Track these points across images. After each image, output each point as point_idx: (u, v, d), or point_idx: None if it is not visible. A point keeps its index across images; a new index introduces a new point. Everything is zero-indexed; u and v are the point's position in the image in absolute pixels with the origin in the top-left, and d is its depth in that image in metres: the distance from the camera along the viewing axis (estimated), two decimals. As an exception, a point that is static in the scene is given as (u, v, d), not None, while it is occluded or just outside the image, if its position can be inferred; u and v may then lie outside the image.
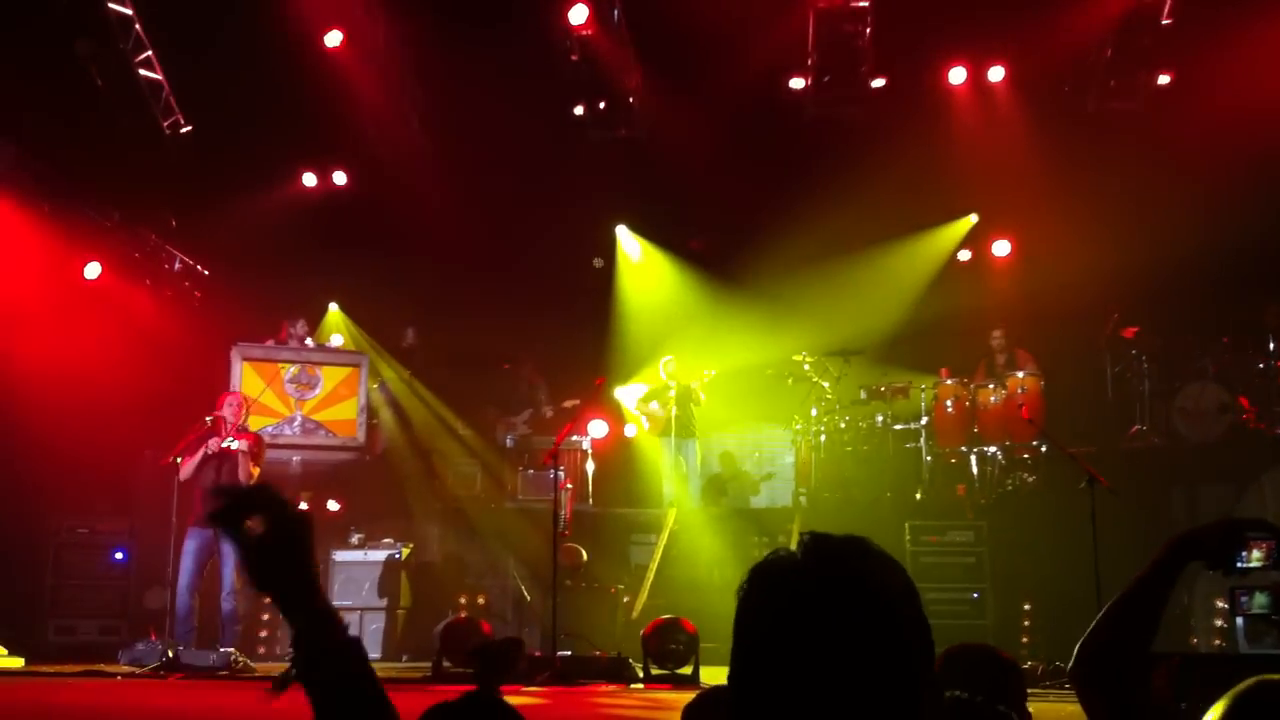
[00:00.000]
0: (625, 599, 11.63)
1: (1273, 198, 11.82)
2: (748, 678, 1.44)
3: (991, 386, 12.59)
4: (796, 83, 14.07)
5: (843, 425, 12.96)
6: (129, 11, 12.55)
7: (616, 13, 13.56)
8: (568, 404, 13.52)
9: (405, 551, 12.15)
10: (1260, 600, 3.25)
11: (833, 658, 1.38)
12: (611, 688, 9.05)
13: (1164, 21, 12.64)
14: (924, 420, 12.80)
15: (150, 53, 12.93)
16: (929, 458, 12.78)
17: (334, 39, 13.24)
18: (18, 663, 10.17)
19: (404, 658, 11.57)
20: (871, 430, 12.92)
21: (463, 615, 9.97)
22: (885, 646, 1.39)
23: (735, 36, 13.26)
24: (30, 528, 11.96)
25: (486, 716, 2.12)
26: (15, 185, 12.32)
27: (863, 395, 13.09)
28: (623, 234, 15.93)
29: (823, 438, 12.94)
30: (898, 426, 12.90)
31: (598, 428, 13.66)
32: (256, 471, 10.46)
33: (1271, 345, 11.87)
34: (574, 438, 12.65)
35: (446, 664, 9.47)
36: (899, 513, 11.77)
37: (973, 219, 14.88)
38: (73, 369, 12.12)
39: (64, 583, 11.92)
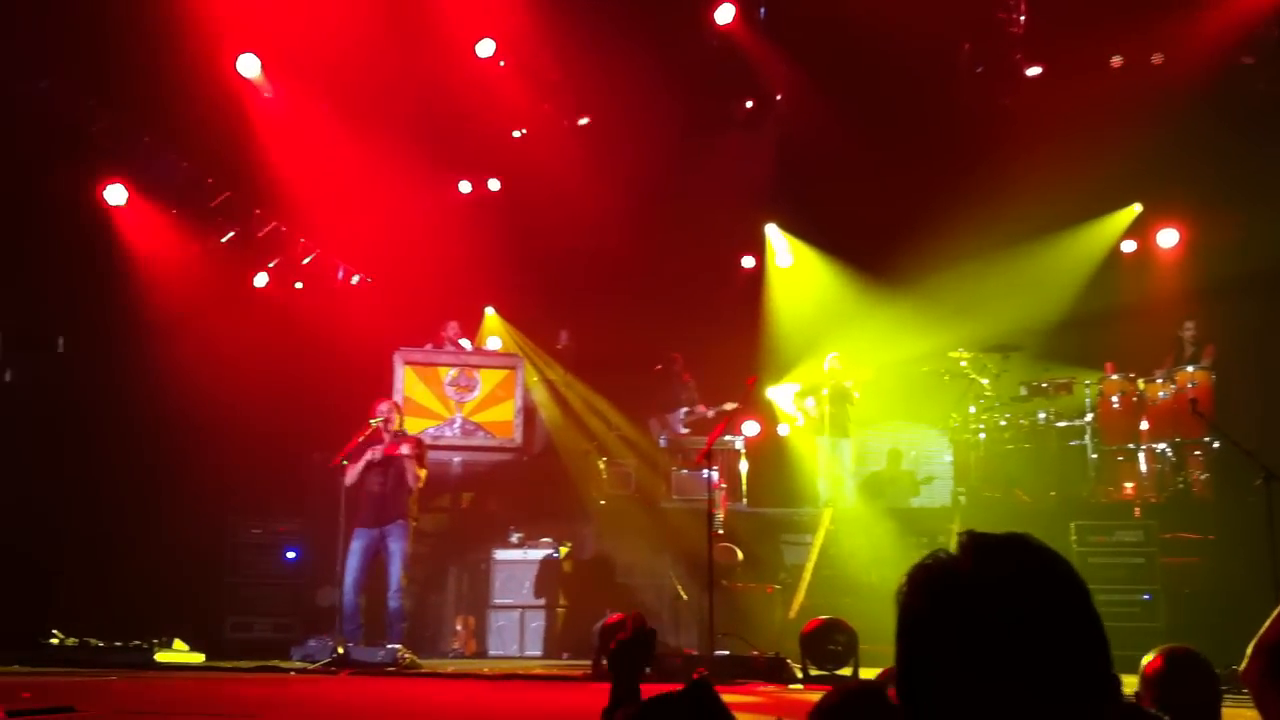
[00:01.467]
0: (782, 599, 11.58)
1: None
2: (914, 682, 1.43)
3: (1160, 381, 12.15)
4: (950, 71, 13.81)
5: (1003, 423, 12.67)
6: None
7: (763, 10, 13.53)
8: (727, 406, 13.40)
9: (563, 550, 12.33)
10: None
11: (999, 659, 1.35)
12: (770, 687, 9.01)
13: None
14: (1088, 417, 12.42)
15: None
16: (1094, 455, 12.39)
17: (486, 48, 13.49)
18: (199, 658, 10.64)
19: (565, 655, 11.73)
20: (1033, 427, 12.59)
21: (620, 614, 10.03)
22: (1053, 646, 1.36)
23: (884, 29, 13.09)
24: (209, 529, 12.50)
25: (702, 707, 2.17)
26: (188, 201, 12.93)
27: (1023, 392, 12.75)
28: (772, 233, 15.87)
29: (982, 435, 12.67)
30: (1061, 423, 12.55)
31: (750, 427, 13.63)
32: (423, 474, 10.72)
33: None
34: (727, 437, 12.64)
35: (605, 662, 9.53)
36: (1064, 512, 11.44)
37: (1137, 209, 14.38)
38: (245, 376, 12.64)
39: (241, 582, 12.40)
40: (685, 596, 11.71)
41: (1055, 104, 13.38)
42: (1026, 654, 1.35)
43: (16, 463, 11.73)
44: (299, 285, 14.34)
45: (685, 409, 14.08)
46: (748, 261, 16.00)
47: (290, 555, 12.51)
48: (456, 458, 13.28)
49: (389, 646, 10.13)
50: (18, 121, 11.19)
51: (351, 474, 10.49)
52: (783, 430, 14.66)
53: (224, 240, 13.35)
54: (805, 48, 13.92)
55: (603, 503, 13.19)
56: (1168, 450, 12.03)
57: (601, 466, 13.50)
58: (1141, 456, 12.12)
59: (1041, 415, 12.57)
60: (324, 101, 13.54)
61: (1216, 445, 11.54)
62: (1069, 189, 13.01)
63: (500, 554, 12.33)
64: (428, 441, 11.57)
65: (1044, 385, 12.59)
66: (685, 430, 13.88)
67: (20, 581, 10.90)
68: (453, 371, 13.39)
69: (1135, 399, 12.22)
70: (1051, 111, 13.28)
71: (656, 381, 14.40)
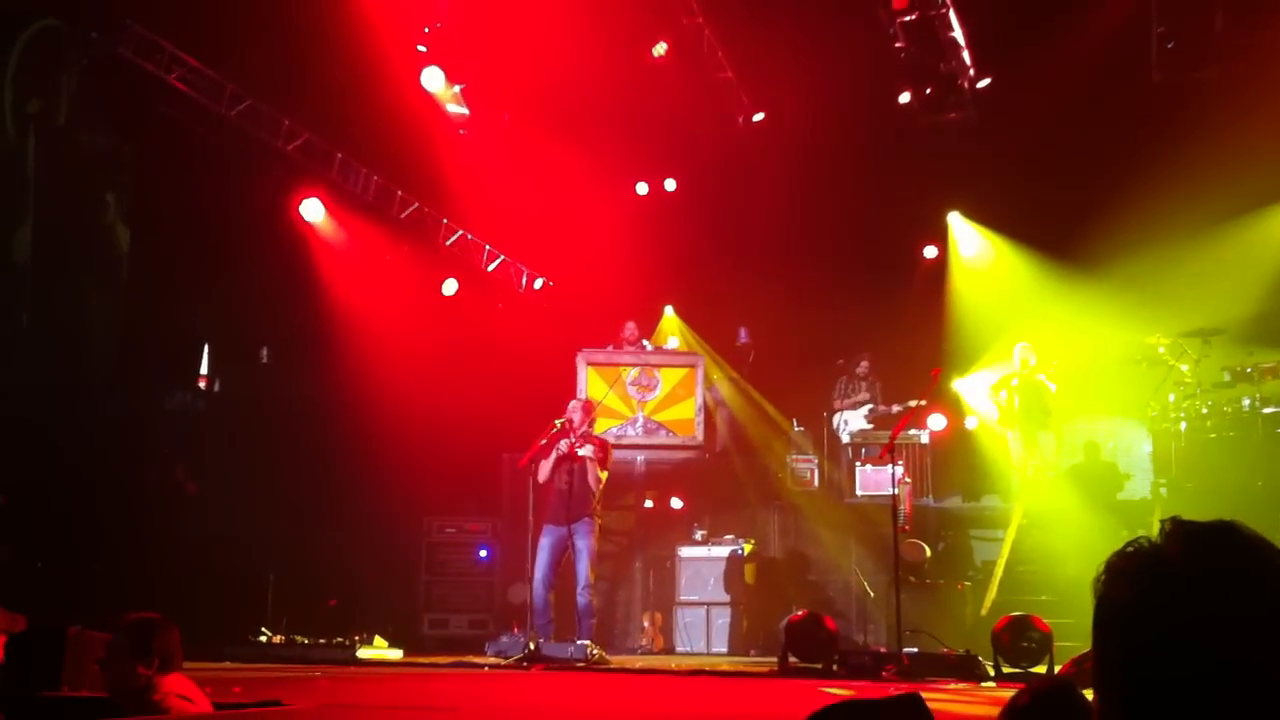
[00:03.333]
0: (973, 595, 11.32)
1: None
2: (1113, 675, 1.38)
3: (1377, 361, 11.41)
4: (1141, 45, 13.28)
5: (1205, 410, 12.07)
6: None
7: (942, -6, 13.24)
8: (912, 403, 13.17)
9: (748, 548, 12.33)
10: None
11: (1208, 654, 1.29)
12: (961, 685, 8.83)
13: None
14: (1298, 402, 11.74)
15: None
16: (1306, 442, 11.70)
17: (660, 49, 13.56)
18: (398, 654, 11.01)
19: (751, 652, 11.73)
20: (1238, 415, 11.95)
21: (805, 610, 9.97)
22: (1270, 642, 1.29)
23: (1069, 3, 12.69)
24: (406, 529, 12.96)
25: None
26: (379, 213, 13.42)
27: (1226, 377, 12.12)
28: (955, 221, 15.53)
29: (1183, 425, 12.10)
30: (1268, 410, 11.86)
31: (936, 420, 13.36)
32: (605, 475, 10.77)
33: None
34: (912, 431, 12.43)
35: (792, 659, 9.51)
36: (1273, 502, 10.84)
37: (1348, 180, 13.53)
38: (437, 380, 13.05)
39: (436, 579, 12.81)
40: (872, 594, 11.56)
41: (1258, 72, 12.69)
42: (1240, 650, 1.29)
43: (225, 469, 12.37)
44: (485, 291, 14.71)
45: (869, 406, 13.91)
46: (930, 251, 15.68)
47: (483, 553, 12.86)
48: (640, 456, 13.41)
49: (579, 642, 10.23)
50: (224, 141, 11.82)
51: (543, 471, 10.61)
52: (970, 423, 14.31)
53: (413, 249, 13.81)
54: (987, 29, 13.58)
55: (785, 500, 13.13)
56: (1390, 435, 11.27)
57: (784, 463, 13.44)
58: (1359, 441, 11.38)
59: (1246, 401, 11.91)
60: (505, 110, 13.87)
61: None
62: (1273, 162, 12.33)
63: (685, 551, 12.42)
64: (611, 441, 11.68)
65: (1249, 370, 11.92)
66: (869, 426, 13.70)
67: (231, 582, 11.49)
68: (634, 371, 13.53)
69: (1350, 381, 11.49)
70: (1255, 80, 12.60)
71: (839, 376, 14.26)
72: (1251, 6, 12.65)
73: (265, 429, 12.82)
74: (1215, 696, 1.29)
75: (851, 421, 13.86)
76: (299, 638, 10.83)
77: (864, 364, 14.14)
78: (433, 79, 13.08)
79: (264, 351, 13.64)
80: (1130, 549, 1.41)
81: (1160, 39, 13.21)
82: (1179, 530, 1.38)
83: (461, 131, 13.61)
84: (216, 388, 13.65)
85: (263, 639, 10.86)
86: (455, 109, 13.56)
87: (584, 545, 10.57)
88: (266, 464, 12.52)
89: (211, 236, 12.13)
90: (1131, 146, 13.13)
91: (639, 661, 10.98)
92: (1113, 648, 1.38)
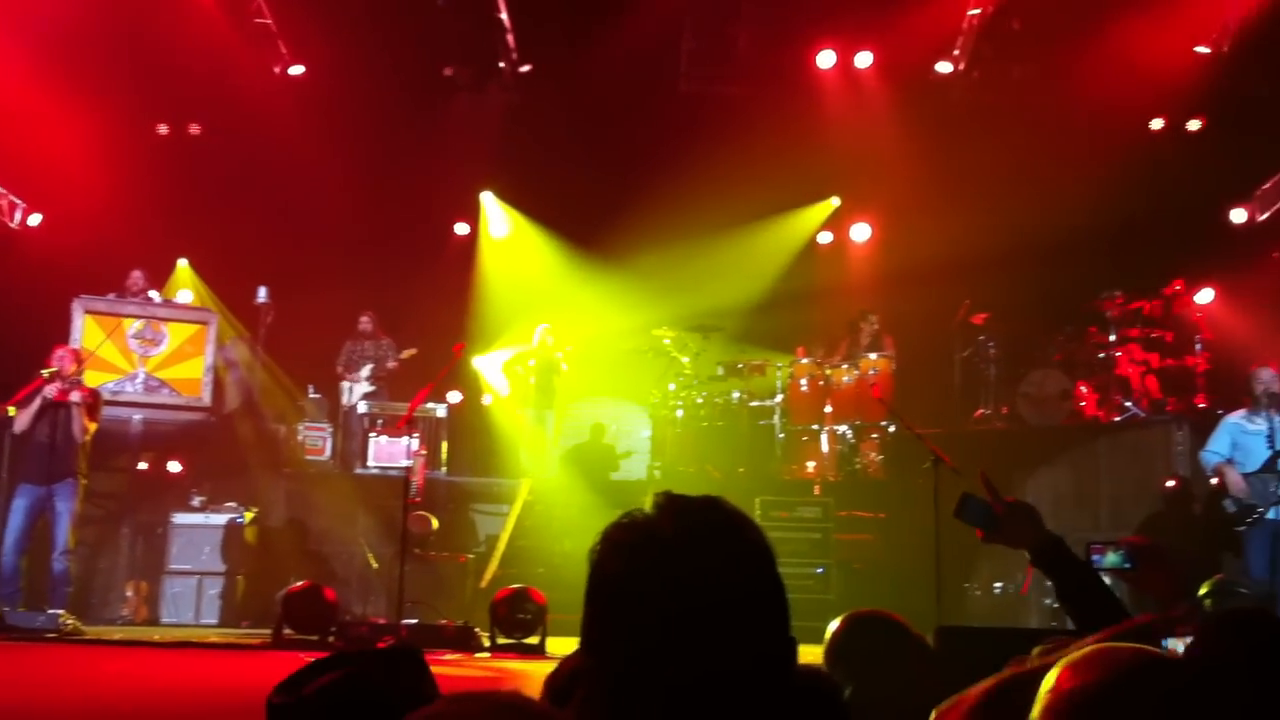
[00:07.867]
0: (475, 568, 11.55)
1: (1116, 191, 12.24)
2: (603, 637, 1.43)
3: (845, 366, 12.81)
4: (672, 56, 14.09)
5: (699, 400, 13.05)
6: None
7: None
8: (405, 354, 13.47)
9: (248, 516, 11.82)
10: (1112, 558, 3.42)
11: (691, 614, 1.37)
12: (456, 656, 8.98)
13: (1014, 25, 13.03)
14: (779, 398, 12.96)
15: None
16: (782, 435, 12.95)
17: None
18: None
19: (245, 624, 11.27)
20: (727, 406, 13.03)
21: (306, 582, 9.75)
22: (748, 597, 1.40)
23: (615, 6, 13.22)
24: None
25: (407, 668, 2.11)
26: None
27: (720, 371, 13.19)
28: (488, 200, 15.75)
29: (679, 412, 13.00)
30: (753, 403, 13.04)
31: (453, 395, 13.52)
32: (93, 427, 10.09)
33: (1112, 335, 12.27)
34: (428, 405, 12.48)
35: (287, 631, 9.28)
36: (751, 488, 11.87)
37: (834, 202, 15.13)
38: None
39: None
40: (375, 565, 11.48)
41: (768, 95, 13.86)
42: (717, 608, 1.38)
43: None
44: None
45: (371, 365, 13.79)
46: (461, 228, 15.81)
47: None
48: (137, 415, 12.50)
49: (50, 612, 9.60)
50: None
51: (22, 421, 9.90)
52: (485, 400, 14.62)
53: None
54: (533, 17, 13.87)
55: (295, 467, 12.75)
56: (848, 432, 12.68)
57: (296, 429, 13.06)
58: (824, 437, 12.72)
59: (736, 394, 13.01)
60: (4, 25, 12.42)
61: (892, 429, 12.26)
62: (775, 178, 13.49)
63: (179, 518, 11.69)
64: (106, 397, 10.87)
65: (740, 366, 13.05)
66: (370, 387, 13.63)
67: None
68: (138, 324, 12.61)
69: (822, 383, 12.84)
70: (765, 102, 13.75)
71: (351, 339, 14.05)
72: (770, 31, 13.78)
73: None
74: (701, 648, 1.37)
75: (356, 389, 13.69)
76: None
77: (366, 320, 13.96)
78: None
79: None
80: (625, 520, 1.47)
81: (690, 54, 14.09)
82: (670, 504, 1.46)
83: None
84: None
85: None
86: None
87: (65, 508, 9.94)
88: None
89: None
90: (656, 149, 13.90)
91: (118, 633, 10.27)
92: (605, 610, 1.44)
